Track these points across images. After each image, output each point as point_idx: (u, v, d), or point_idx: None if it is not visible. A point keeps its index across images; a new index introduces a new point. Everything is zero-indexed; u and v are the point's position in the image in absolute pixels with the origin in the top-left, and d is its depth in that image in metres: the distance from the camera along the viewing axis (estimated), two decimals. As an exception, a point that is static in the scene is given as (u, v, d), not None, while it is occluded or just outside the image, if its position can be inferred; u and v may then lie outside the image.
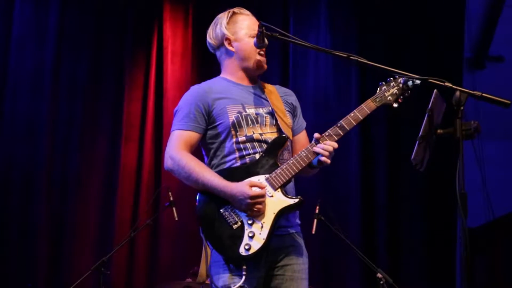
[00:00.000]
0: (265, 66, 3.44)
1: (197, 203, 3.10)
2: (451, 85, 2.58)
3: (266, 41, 3.14)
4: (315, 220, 5.19)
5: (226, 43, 3.38)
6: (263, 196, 3.03)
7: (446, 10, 6.93)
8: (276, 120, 3.30)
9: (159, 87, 6.94)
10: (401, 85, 3.15)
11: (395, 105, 3.22)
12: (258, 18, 3.35)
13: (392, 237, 6.65)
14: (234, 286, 2.99)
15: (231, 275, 3.03)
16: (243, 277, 2.97)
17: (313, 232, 5.18)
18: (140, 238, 6.42)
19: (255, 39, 3.19)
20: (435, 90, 2.65)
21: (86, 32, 6.89)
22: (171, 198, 5.28)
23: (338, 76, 7.05)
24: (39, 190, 6.40)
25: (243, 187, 3.01)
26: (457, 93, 2.52)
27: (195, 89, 3.36)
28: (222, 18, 3.42)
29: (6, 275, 6.16)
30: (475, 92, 2.53)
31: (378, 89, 3.24)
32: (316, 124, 6.94)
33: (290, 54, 7.11)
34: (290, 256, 3.20)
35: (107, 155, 6.68)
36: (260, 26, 3.11)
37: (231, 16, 3.40)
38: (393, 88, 3.20)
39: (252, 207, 3.00)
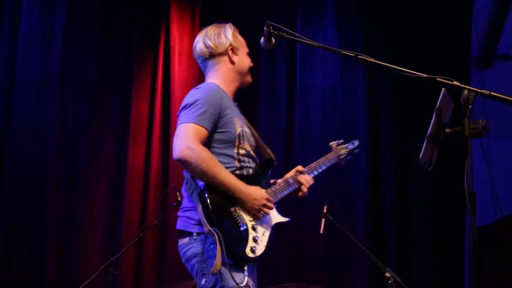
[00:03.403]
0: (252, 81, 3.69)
1: (207, 198, 3.12)
2: (459, 84, 2.57)
3: (273, 40, 3.16)
4: (323, 220, 5.18)
5: (230, 52, 3.50)
6: (273, 204, 3.33)
7: (454, 9, 6.92)
8: (257, 144, 3.59)
9: (167, 88, 6.94)
10: (348, 150, 3.96)
11: (343, 163, 3.98)
12: (266, 19, 3.35)
13: (400, 235, 6.64)
14: (241, 285, 3.08)
15: (238, 274, 3.11)
16: (246, 278, 3.11)
17: (321, 232, 5.18)
18: (148, 238, 6.43)
19: (261, 39, 3.20)
20: (443, 89, 2.65)
21: (93, 32, 6.90)
22: (179, 198, 5.28)
23: (345, 75, 7.04)
24: (47, 190, 6.41)
25: (260, 190, 3.29)
26: (465, 92, 2.52)
27: (215, 90, 3.38)
28: (226, 27, 3.57)
29: (14, 275, 6.17)
30: (483, 90, 2.52)
31: (335, 146, 3.94)
32: (324, 124, 6.95)
33: (297, 53, 7.11)
34: (257, 272, 3.43)
35: (115, 156, 6.69)
36: (267, 26, 3.12)
37: (234, 30, 3.59)
38: (344, 150, 3.93)
39: (263, 209, 3.25)
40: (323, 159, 3.76)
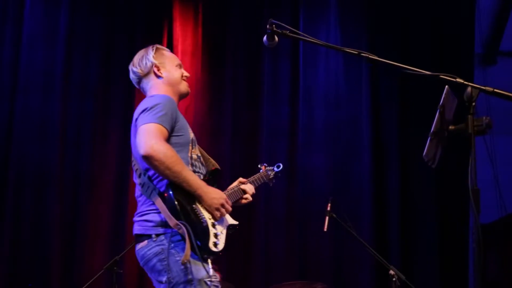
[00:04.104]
0: (189, 90, 3.83)
1: (171, 194, 3.24)
2: (462, 81, 2.57)
3: (276, 38, 3.15)
4: (327, 218, 5.20)
5: (155, 70, 3.68)
6: (231, 206, 3.51)
7: (457, 6, 6.91)
8: (201, 153, 3.72)
9: (170, 86, 6.94)
10: (274, 172, 4.27)
11: (271, 184, 4.31)
12: (268, 17, 3.35)
13: (404, 233, 6.64)
14: (210, 276, 3.26)
15: (202, 268, 3.24)
16: (210, 271, 3.27)
17: (325, 230, 5.19)
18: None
19: (264, 37, 3.19)
20: (446, 86, 2.64)
21: (96, 31, 6.90)
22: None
23: (349, 74, 7.05)
24: (51, 190, 6.42)
25: (219, 190, 3.50)
26: (469, 89, 2.52)
27: (168, 97, 3.55)
28: (148, 50, 3.76)
29: (19, 274, 6.19)
30: (486, 87, 2.52)
31: (264, 168, 4.23)
32: (327, 122, 6.95)
33: (300, 52, 7.11)
34: None
35: (119, 154, 6.70)
36: (270, 24, 3.12)
37: (156, 50, 3.77)
38: (271, 171, 4.24)
39: (221, 208, 3.40)
40: (258, 175, 4.09)
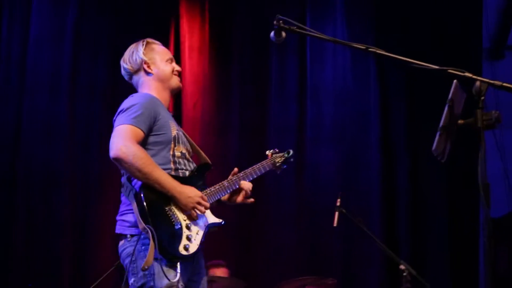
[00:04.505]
0: (181, 85, 3.85)
1: (142, 197, 3.22)
2: (471, 75, 2.56)
3: (283, 34, 3.14)
4: (337, 213, 5.19)
5: (145, 67, 3.67)
6: (208, 204, 3.41)
7: (464, 1, 6.88)
8: (193, 149, 3.70)
9: (178, 83, 6.95)
10: (284, 158, 3.96)
11: (278, 172, 4.00)
12: (276, 13, 3.34)
13: (414, 228, 6.62)
14: (172, 282, 3.18)
15: (170, 271, 3.21)
16: (178, 275, 3.18)
17: (335, 225, 5.19)
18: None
19: (272, 33, 3.18)
20: (455, 81, 2.63)
21: (104, 31, 6.90)
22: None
23: (356, 69, 7.03)
24: (60, 190, 6.42)
25: (194, 189, 3.39)
26: (477, 83, 2.50)
27: (147, 95, 3.57)
28: (138, 45, 3.75)
29: (31, 274, 6.20)
30: (495, 81, 2.51)
31: (270, 154, 3.95)
32: (335, 118, 6.94)
33: (307, 48, 7.10)
34: (202, 267, 3.61)
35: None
36: (277, 20, 3.11)
37: (146, 44, 3.76)
38: (279, 158, 3.94)
39: (197, 207, 3.33)
40: (258, 165, 3.83)
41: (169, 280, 3.15)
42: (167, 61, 3.73)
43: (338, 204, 5.24)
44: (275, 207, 6.80)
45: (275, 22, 3.12)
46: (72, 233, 6.40)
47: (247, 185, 3.74)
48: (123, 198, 3.47)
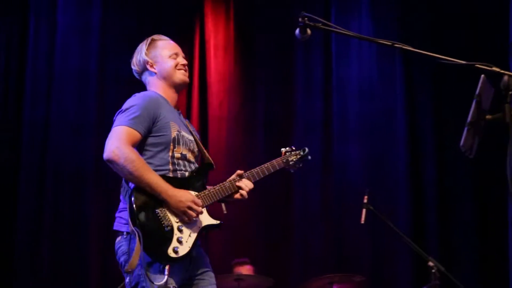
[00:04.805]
0: (188, 79, 3.74)
1: (132, 199, 3.22)
2: (498, 69, 2.54)
3: (308, 31, 3.13)
4: (364, 210, 5.18)
5: (148, 67, 3.64)
6: (200, 208, 3.33)
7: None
8: (198, 150, 3.64)
9: (203, 81, 6.98)
10: (299, 156, 3.83)
11: (292, 170, 3.89)
12: (300, 9, 3.33)
13: (443, 224, 6.57)
14: (159, 284, 3.15)
15: (158, 275, 3.18)
16: (165, 277, 3.15)
17: (362, 222, 5.18)
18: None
19: (297, 30, 3.17)
20: (482, 76, 2.61)
21: (129, 30, 6.92)
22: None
23: (382, 64, 6.99)
24: (88, 188, 6.48)
25: (188, 192, 3.32)
26: (505, 77, 2.48)
27: (147, 96, 3.54)
28: (142, 46, 3.70)
29: (59, 273, 6.25)
30: (523, 76, 2.48)
31: (284, 152, 3.83)
32: (361, 113, 6.92)
33: (333, 43, 7.08)
34: (204, 263, 3.55)
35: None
36: (302, 17, 3.10)
37: (150, 42, 3.69)
38: (294, 156, 3.82)
39: (188, 212, 3.27)
40: (267, 164, 3.72)
41: (152, 282, 3.14)
42: (170, 56, 3.67)
43: (365, 201, 5.22)
44: (302, 204, 6.80)
45: (300, 19, 3.11)
46: (99, 231, 6.44)
47: (244, 185, 3.61)
48: (121, 197, 3.47)
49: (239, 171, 3.63)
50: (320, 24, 3.07)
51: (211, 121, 6.93)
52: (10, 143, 6.49)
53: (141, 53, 3.67)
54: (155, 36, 3.76)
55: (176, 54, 3.69)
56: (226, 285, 5.53)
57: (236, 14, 7.21)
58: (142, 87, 6.59)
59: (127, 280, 3.28)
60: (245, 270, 5.91)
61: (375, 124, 6.90)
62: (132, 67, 3.73)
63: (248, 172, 3.64)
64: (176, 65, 3.65)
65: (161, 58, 3.65)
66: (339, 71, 7.02)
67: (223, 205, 5.02)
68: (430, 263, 4.79)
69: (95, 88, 6.71)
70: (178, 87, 3.69)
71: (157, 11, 7.06)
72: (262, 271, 6.07)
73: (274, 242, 6.76)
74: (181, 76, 3.66)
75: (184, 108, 6.93)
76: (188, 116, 6.88)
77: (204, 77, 6.99)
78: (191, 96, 6.97)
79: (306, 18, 3.08)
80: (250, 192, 3.61)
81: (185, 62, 3.71)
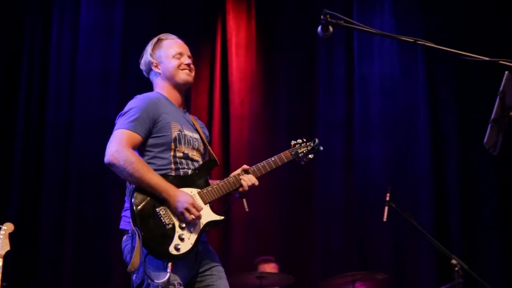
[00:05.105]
0: (191, 79, 3.75)
1: (132, 199, 3.27)
2: (522, 65, 2.52)
3: (330, 29, 3.12)
4: (386, 208, 5.16)
5: (153, 68, 3.72)
6: (199, 210, 3.33)
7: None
8: (204, 147, 3.68)
9: (225, 79, 7.00)
10: (309, 148, 3.79)
11: (302, 162, 3.83)
12: (322, 7, 3.32)
13: (466, 222, 6.53)
14: (160, 282, 3.18)
15: (160, 273, 3.22)
16: (168, 274, 3.19)
17: (384, 220, 5.16)
18: (212, 230, 6.43)
19: (319, 28, 3.17)
20: (506, 72, 2.59)
21: (151, 28, 6.93)
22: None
23: (404, 61, 6.96)
24: (111, 187, 6.49)
25: (187, 194, 3.35)
26: (530, 74, 2.47)
27: (147, 98, 3.58)
28: (147, 47, 3.78)
29: (82, 271, 6.29)
30: (547, 72, 2.46)
31: (293, 144, 3.80)
32: (384, 110, 6.89)
33: (355, 41, 7.06)
34: (211, 258, 3.55)
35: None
36: (324, 14, 3.09)
37: (156, 42, 3.79)
38: (304, 148, 3.79)
39: (186, 213, 3.28)
40: (275, 157, 3.71)
41: (153, 280, 3.18)
42: (174, 56, 3.71)
43: (387, 198, 5.20)
44: (324, 202, 6.80)
45: (322, 17, 3.10)
46: (122, 231, 6.45)
47: (246, 180, 3.58)
48: (126, 197, 3.52)
49: (245, 166, 3.63)
50: (342, 22, 3.06)
51: (232, 120, 6.94)
52: (34, 145, 6.52)
53: (146, 54, 3.76)
54: (162, 35, 3.83)
55: (181, 54, 3.73)
56: (248, 282, 5.55)
57: (258, 12, 7.21)
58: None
59: (133, 278, 3.33)
60: (270, 268, 5.92)
61: (397, 121, 6.87)
62: (141, 67, 3.81)
63: (254, 166, 3.64)
64: (179, 65, 3.69)
65: (165, 58, 3.71)
66: (361, 68, 7.00)
67: (244, 201, 5.04)
68: (453, 261, 4.77)
69: (117, 88, 6.73)
70: (181, 87, 3.72)
71: (179, 10, 7.07)
72: (283, 269, 6.08)
73: (295, 240, 6.76)
74: (184, 76, 3.69)
75: (205, 106, 6.95)
76: (209, 114, 6.90)
77: (226, 76, 7.00)
78: (212, 95, 6.98)
79: (328, 16, 3.08)
80: (253, 187, 3.58)
81: (189, 61, 3.73)
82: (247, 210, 5.12)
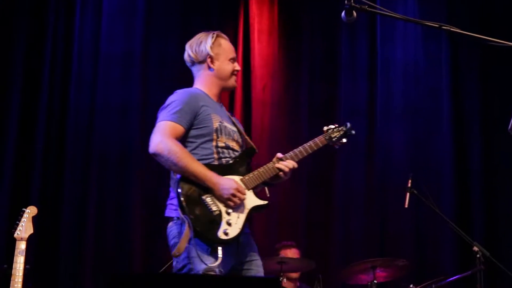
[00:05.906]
0: (236, 85, 3.93)
1: (179, 189, 3.38)
2: (548, 51, 2.49)
3: (354, 14, 3.11)
4: (408, 194, 5.15)
5: (208, 61, 3.75)
6: (243, 194, 3.46)
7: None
8: (242, 139, 3.80)
9: (247, 66, 6.98)
10: (342, 132, 3.86)
11: (336, 146, 3.90)
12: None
13: (488, 209, 6.50)
14: (211, 266, 3.29)
15: (209, 257, 3.33)
16: (219, 259, 3.30)
17: (406, 206, 5.15)
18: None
19: (343, 13, 3.16)
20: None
21: (173, 14, 6.94)
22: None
23: (427, 46, 6.91)
24: (133, 170, 6.51)
25: (231, 180, 3.47)
26: (556, 59, 2.44)
27: (187, 92, 3.70)
28: (208, 37, 3.79)
29: (103, 255, 6.33)
30: None
31: (326, 130, 3.83)
32: (406, 97, 6.86)
33: (378, 26, 7.02)
34: (252, 252, 3.66)
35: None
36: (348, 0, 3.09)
37: (216, 38, 3.80)
38: (337, 133, 3.85)
39: (232, 198, 3.40)
40: (310, 142, 3.76)
41: (206, 264, 3.28)
42: (230, 60, 3.81)
43: (409, 185, 5.19)
44: (346, 188, 6.78)
45: (346, 2, 3.09)
46: (143, 216, 6.48)
47: (284, 165, 3.66)
48: (170, 188, 3.62)
49: (279, 154, 3.71)
50: (366, 6, 3.06)
51: (254, 105, 6.93)
52: (57, 129, 6.54)
53: (205, 44, 3.77)
54: (219, 33, 3.87)
55: (234, 59, 3.85)
56: (269, 267, 5.56)
57: (281, -2, 7.20)
58: (185, 71, 6.63)
59: (174, 263, 3.43)
60: (291, 253, 5.94)
61: (420, 107, 6.83)
62: (190, 52, 3.81)
63: (291, 152, 3.71)
64: (233, 71, 3.81)
65: (223, 58, 3.78)
66: (384, 53, 6.96)
67: (266, 188, 5.07)
68: (475, 248, 4.75)
69: (139, 71, 6.74)
70: (227, 90, 3.93)
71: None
72: (304, 254, 6.10)
73: (316, 225, 6.76)
74: (233, 82, 3.84)
75: (227, 92, 6.95)
76: (231, 100, 6.90)
77: (248, 61, 6.98)
78: (234, 80, 6.99)
79: (352, 1, 3.07)
80: (293, 170, 3.68)
81: (239, 68, 3.89)
82: (268, 195, 5.15)
